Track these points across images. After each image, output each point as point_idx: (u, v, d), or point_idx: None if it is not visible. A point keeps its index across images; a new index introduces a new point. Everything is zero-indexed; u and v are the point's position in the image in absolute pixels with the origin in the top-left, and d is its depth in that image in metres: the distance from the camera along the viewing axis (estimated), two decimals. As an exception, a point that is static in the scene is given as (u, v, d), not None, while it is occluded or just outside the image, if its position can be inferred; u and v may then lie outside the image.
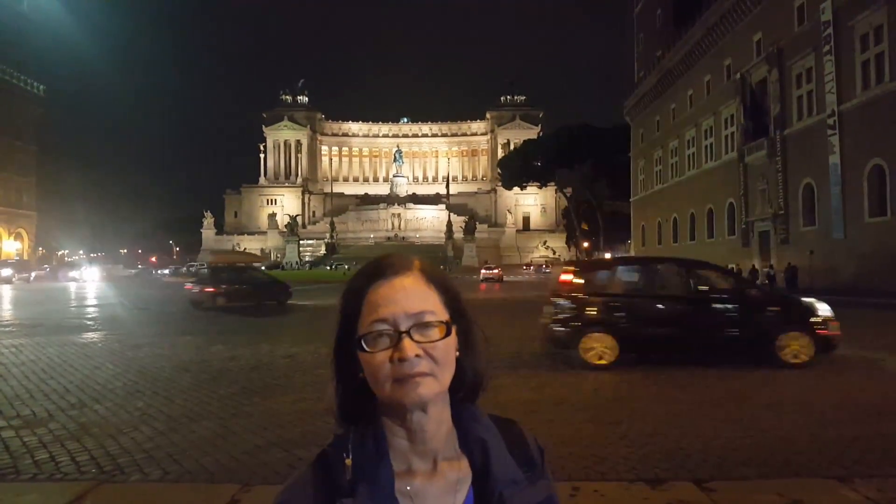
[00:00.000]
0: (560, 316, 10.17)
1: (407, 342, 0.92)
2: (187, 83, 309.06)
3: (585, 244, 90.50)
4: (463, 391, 1.02)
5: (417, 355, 0.92)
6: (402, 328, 0.93)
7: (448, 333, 0.96)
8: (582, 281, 10.45)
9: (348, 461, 0.94)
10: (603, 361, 9.62)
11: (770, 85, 38.90)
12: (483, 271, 56.82)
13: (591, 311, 10.05)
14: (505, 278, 56.32)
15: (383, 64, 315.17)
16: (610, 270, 11.70)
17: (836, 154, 31.92)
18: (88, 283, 58.31)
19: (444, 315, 0.97)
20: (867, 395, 7.60)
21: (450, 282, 1.04)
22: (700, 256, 50.06)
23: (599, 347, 9.70)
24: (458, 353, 0.99)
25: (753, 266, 40.15)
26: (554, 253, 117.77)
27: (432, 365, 0.93)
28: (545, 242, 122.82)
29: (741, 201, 43.03)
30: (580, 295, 10.24)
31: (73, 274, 65.01)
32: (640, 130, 67.13)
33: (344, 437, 0.98)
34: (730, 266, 42.05)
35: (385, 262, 1.01)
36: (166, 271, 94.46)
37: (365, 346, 0.94)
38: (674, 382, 8.65)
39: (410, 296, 0.96)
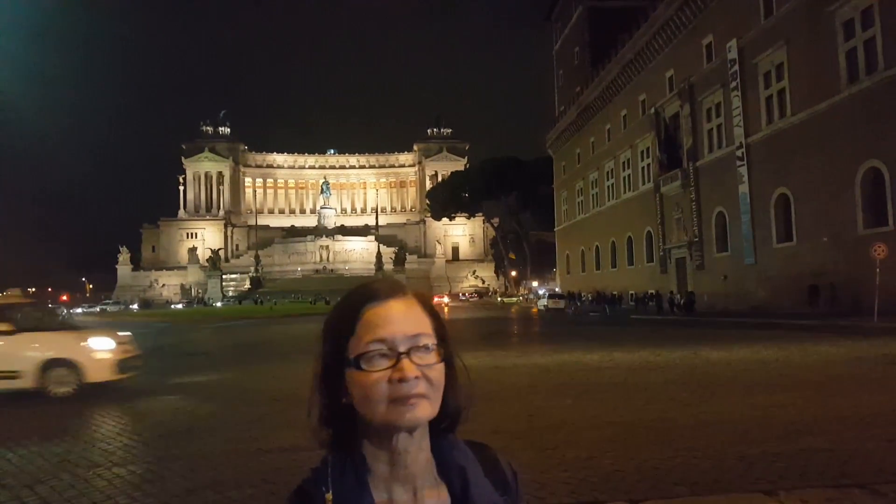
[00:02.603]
0: None
1: (407, 363, 0.92)
2: (102, 113, 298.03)
3: (513, 273, 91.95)
4: (444, 420, 1.01)
5: (416, 377, 0.92)
6: (401, 349, 0.93)
7: (442, 359, 0.97)
8: None
9: (329, 495, 0.93)
10: None
11: (682, 119, 41.06)
12: (436, 298, 68.30)
13: None
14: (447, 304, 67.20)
15: (308, 96, 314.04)
16: None
17: (745, 184, 33.88)
18: None
19: (435, 340, 0.98)
20: (789, 412, 7.98)
21: (438, 310, 1.04)
22: (620, 283, 51.97)
23: None
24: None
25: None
26: (483, 282, 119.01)
27: (428, 387, 0.93)
28: (474, 272, 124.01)
29: (658, 230, 44.90)
30: None
31: None
32: (563, 163, 69.26)
33: (321, 471, 0.97)
34: (649, 291, 43.73)
35: (378, 285, 1.01)
36: (78, 310, 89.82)
37: (363, 365, 0.93)
38: (604, 407, 8.86)
39: (408, 318, 0.96)
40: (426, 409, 0.93)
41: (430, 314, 1.01)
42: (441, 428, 1.02)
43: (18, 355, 10.50)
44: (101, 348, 10.98)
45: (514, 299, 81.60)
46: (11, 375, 10.34)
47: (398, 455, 0.96)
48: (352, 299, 1.00)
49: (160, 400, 10.74)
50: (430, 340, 0.96)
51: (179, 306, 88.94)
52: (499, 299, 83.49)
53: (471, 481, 1.00)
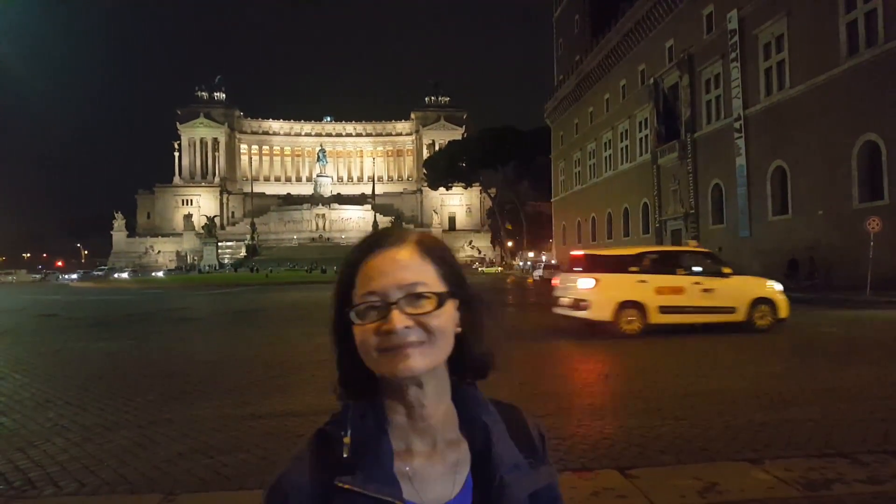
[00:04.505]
0: None
1: (395, 314, 0.90)
2: (95, 77, 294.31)
3: (510, 243, 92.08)
4: (464, 369, 1.00)
5: (407, 326, 0.90)
6: (392, 300, 0.91)
7: (440, 305, 0.93)
8: None
9: (346, 439, 0.92)
10: None
11: (681, 90, 40.73)
12: None
13: None
14: None
15: (305, 62, 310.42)
16: None
17: (742, 156, 33.76)
18: None
19: (438, 287, 0.95)
20: (776, 383, 8.07)
21: (449, 254, 1.01)
22: (618, 254, 51.71)
23: None
24: (458, 329, 0.97)
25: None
26: (479, 253, 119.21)
27: (424, 336, 0.92)
28: (471, 242, 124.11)
29: (655, 201, 44.85)
30: None
31: None
32: (560, 133, 68.83)
33: (342, 415, 0.96)
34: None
35: (382, 234, 1.00)
36: (74, 276, 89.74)
37: (355, 318, 0.92)
38: (597, 374, 8.95)
39: (403, 267, 0.94)
40: (420, 360, 0.91)
41: (436, 260, 0.98)
42: (460, 376, 1.00)
43: (735, 294, 12.94)
44: (781, 290, 13.47)
45: (495, 269, 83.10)
46: (729, 310, 12.82)
47: (413, 408, 0.94)
48: (355, 251, 0.99)
49: (151, 364, 10.79)
50: (427, 288, 0.93)
51: (160, 274, 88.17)
52: (480, 269, 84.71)
53: (493, 438, 0.98)
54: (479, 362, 1.02)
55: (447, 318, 0.95)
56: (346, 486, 0.88)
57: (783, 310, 13.12)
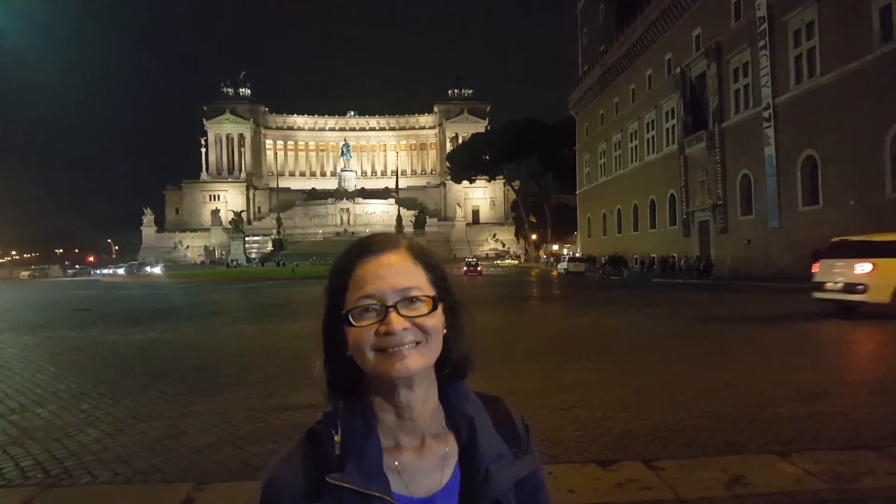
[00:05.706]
0: None
1: (394, 316, 0.94)
2: (123, 76, 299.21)
3: (534, 236, 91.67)
4: (449, 369, 1.04)
5: (405, 328, 0.94)
6: (389, 303, 0.95)
7: (435, 308, 0.98)
8: None
9: (337, 437, 0.96)
10: None
11: (709, 79, 40.09)
12: (469, 259, 61.23)
13: None
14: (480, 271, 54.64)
15: (328, 57, 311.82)
16: None
17: (771, 146, 33.15)
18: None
19: (430, 291, 0.99)
20: (804, 376, 7.95)
21: (436, 260, 1.06)
22: (642, 246, 51.48)
23: None
24: (444, 331, 1.01)
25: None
26: (503, 246, 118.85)
27: (420, 337, 0.96)
28: (495, 235, 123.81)
29: (682, 192, 44.25)
30: None
31: None
32: (585, 124, 68.22)
33: (333, 414, 1.00)
34: (671, 255, 43.38)
35: (373, 239, 1.03)
36: (106, 271, 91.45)
37: (352, 320, 0.96)
38: (619, 370, 8.90)
39: (398, 272, 0.98)
40: (416, 361, 0.95)
41: (426, 266, 1.02)
42: (445, 375, 1.04)
43: None
44: None
45: (509, 262, 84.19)
46: None
47: (402, 408, 0.98)
48: (346, 256, 1.03)
49: (180, 357, 10.98)
50: (421, 292, 0.98)
51: (157, 270, 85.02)
52: (496, 262, 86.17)
53: (478, 431, 1.02)
54: (461, 362, 1.06)
55: (439, 321, 0.99)
56: (336, 482, 0.93)
57: None
